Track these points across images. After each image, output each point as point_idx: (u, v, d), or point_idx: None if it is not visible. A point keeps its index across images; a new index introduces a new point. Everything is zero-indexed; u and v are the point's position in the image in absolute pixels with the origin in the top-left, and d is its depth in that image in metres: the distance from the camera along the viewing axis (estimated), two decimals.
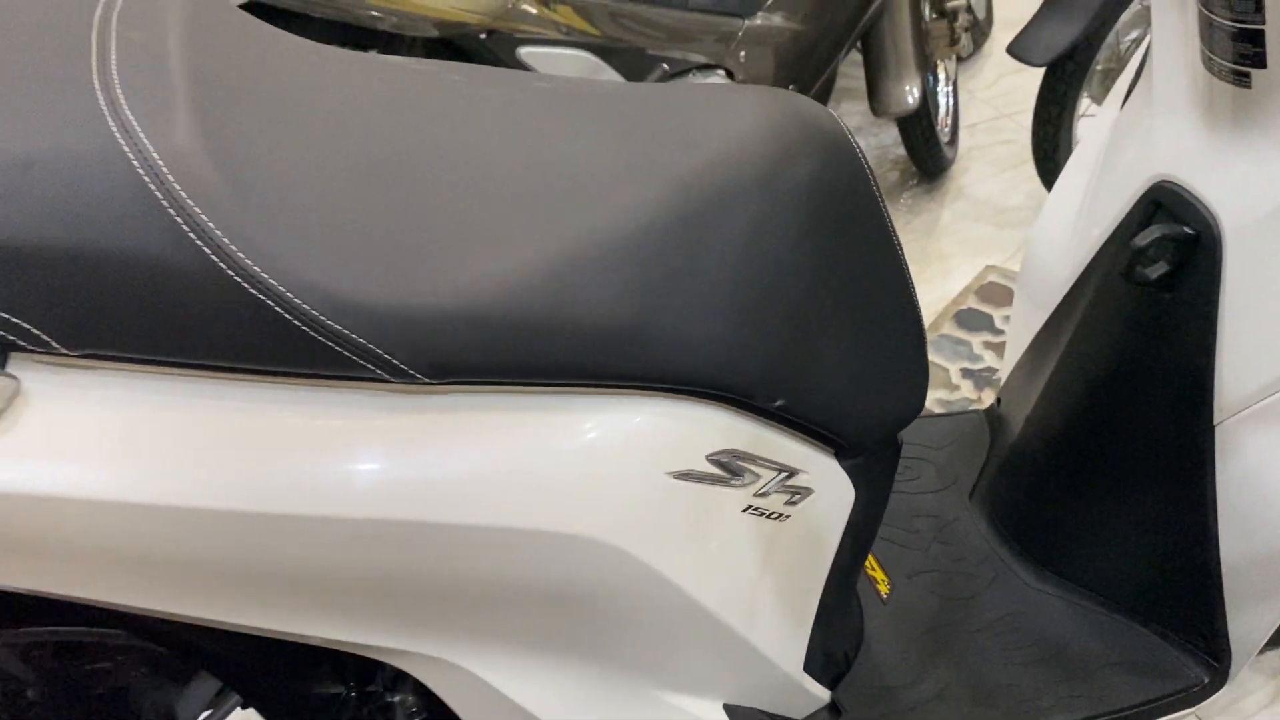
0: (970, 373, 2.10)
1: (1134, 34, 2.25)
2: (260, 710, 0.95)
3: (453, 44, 1.78)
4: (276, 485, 0.64)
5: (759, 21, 2.08)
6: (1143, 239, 1.04)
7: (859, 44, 2.38)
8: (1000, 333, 2.21)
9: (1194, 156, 1.02)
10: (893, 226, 0.88)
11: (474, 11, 1.75)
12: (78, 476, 0.60)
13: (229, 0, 0.78)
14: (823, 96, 2.32)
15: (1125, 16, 2.20)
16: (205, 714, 1.04)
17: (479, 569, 0.71)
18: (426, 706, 0.96)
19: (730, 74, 2.04)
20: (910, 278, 0.90)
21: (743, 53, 2.04)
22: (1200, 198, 1.00)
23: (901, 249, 0.89)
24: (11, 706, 0.97)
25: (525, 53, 1.83)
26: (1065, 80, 2.23)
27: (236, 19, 0.77)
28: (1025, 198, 2.64)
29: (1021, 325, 1.38)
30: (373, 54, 0.85)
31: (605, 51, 1.91)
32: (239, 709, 1.06)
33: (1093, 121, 1.35)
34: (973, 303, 2.28)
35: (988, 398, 2.05)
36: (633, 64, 1.94)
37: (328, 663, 0.94)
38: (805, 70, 2.15)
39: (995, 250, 2.46)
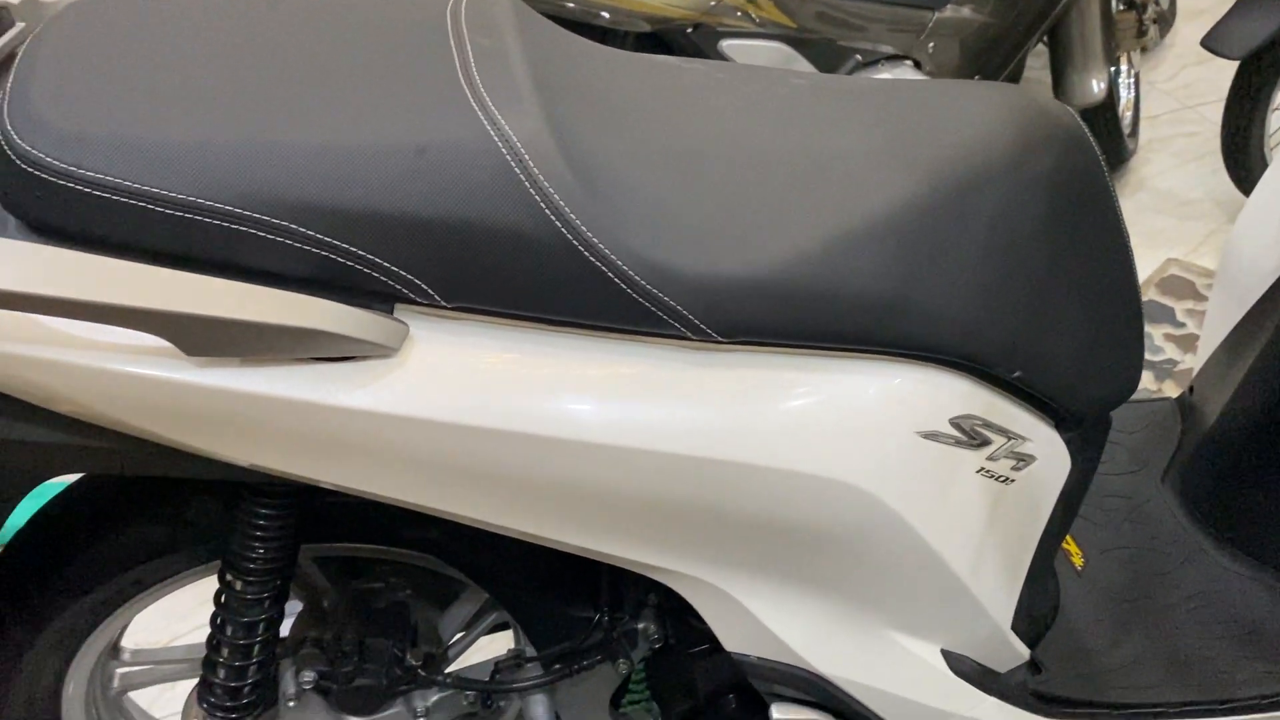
0: (1151, 365, 2.11)
1: None
2: (522, 625, 1.09)
3: (660, 37, 1.90)
4: (596, 419, 0.76)
5: (948, 13, 2.13)
6: None
7: (1044, 36, 2.39)
8: (1181, 325, 2.21)
9: None
10: (1122, 216, 0.95)
11: (683, 7, 1.86)
12: (449, 404, 0.73)
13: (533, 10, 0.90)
14: None
15: None
16: (459, 634, 1.19)
17: (752, 504, 0.82)
18: (665, 636, 1.08)
19: (918, 64, 2.10)
20: (1134, 262, 0.97)
21: (931, 44, 2.10)
22: None
23: (1128, 237, 0.96)
24: (315, 611, 1.13)
25: (726, 45, 1.94)
26: (1261, 73, 2.21)
27: (549, 28, 0.89)
28: (1208, 191, 2.62)
29: (1219, 317, 1.41)
30: (653, 55, 0.96)
31: (800, 43, 2.00)
32: (485, 635, 1.20)
33: None
34: (1154, 295, 2.29)
35: (1168, 389, 2.06)
36: (825, 55, 2.02)
37: (585, 589, 1.07)
38: (992, 62, 2.19)
39: (1177, 243, 2.45)
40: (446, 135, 0.72)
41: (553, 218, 0.72)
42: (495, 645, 1.27)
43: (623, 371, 0.77)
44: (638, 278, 0.74)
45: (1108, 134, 2.54)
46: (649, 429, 0.77)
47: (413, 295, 0.72)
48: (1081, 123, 0.94)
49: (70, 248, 0.65)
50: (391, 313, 0.74)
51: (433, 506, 0.78)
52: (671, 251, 0.75)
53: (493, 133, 0.72)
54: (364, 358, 0.72)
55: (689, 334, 0.77)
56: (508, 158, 0.72)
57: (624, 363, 0.77)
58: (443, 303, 0.73)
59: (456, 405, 0.73)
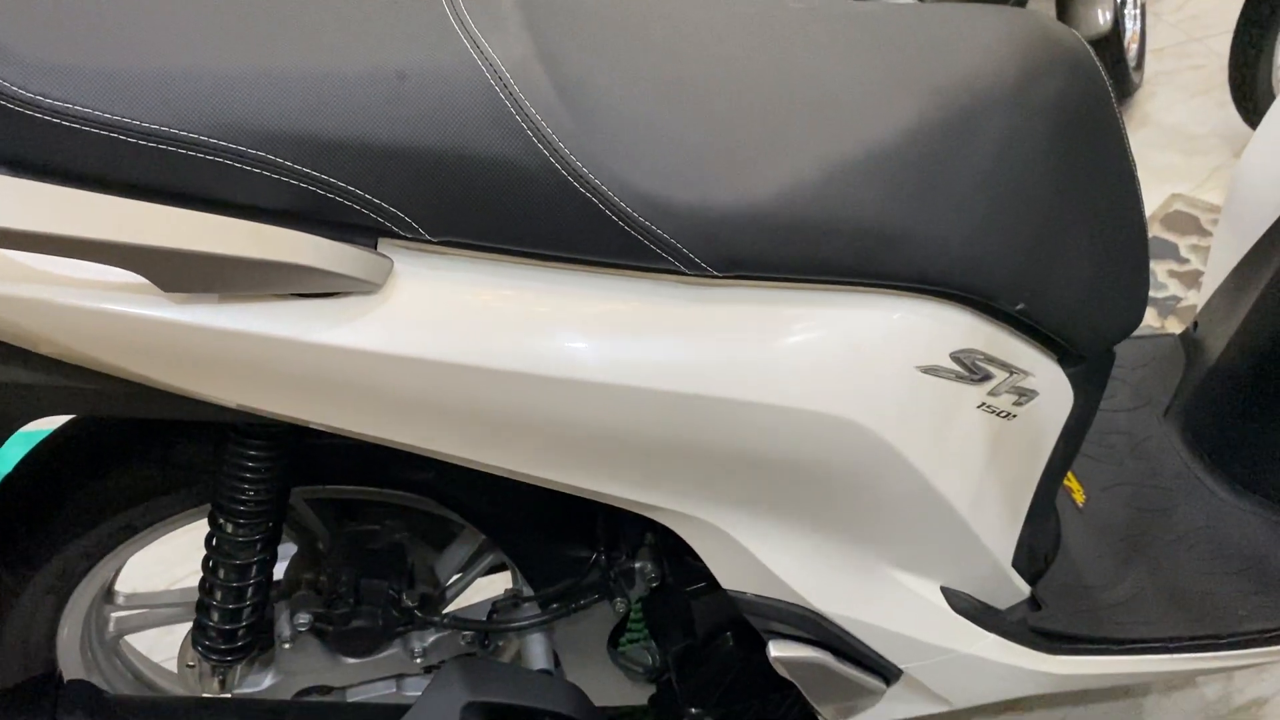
0: (1154, 300, 2.09)
1: None
2: (519, 566, 1.08)
3: None
4: (588, 357, 0.74)
5: None
6: None
7: None
8: (1186, 261, 2.18)
9: None
10: (1129, 145, 0.92)
11: None
12: (435, 342, 0.71)
13: None
14: None
15: None
16: (456, 575, 1.18)
17: (747, 441, 0.81)
18: (662, 575, 1.07)
19: None
20: (1140, 194, 0.94)
21: None
22: None
23: (1135, 167, 0.93)
24: (310, 554, 1.12)
25: None
26: (1271, 2, 2.16)
27: None
28: (1215, 125, 2.57)
29: (1225, 251, 1.39)
30: None
31: None
32: (482, 576, 1.19)
33: None
34: (1158, 231, 2.26)
35: (1171, 325, 2.04)
36: None
37: (582, 529, 1.06)
38: None
39: (1182, 178, 2.42)
40: (428, 60, 0.69)
41: (540, 147, 0.69)
42: (494, 585, 1.26)
43: (615, 308, 0.75)
44: (630, 210, 0.72)
45: (1113, 67, 2.50)
46: (642, 366, 0.75)
47: (397, 229, 0.70)
48: (1089, 47, 0.91)
49: (39, 181, 0.63)
50: (375, 247, 0.71)
51: (421, 446, 0.77)
52: (664, 183, 0.73)
53: (477, 58, 0.69)
54: (347, 294, 0.70)
55: (684, 269, 0.75)
56: (493, 84, 0.69)
57: (616, 298, 0.75)
58: (428, 237, 0.71)
59: (442, 343, 0.71)
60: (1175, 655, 1.14)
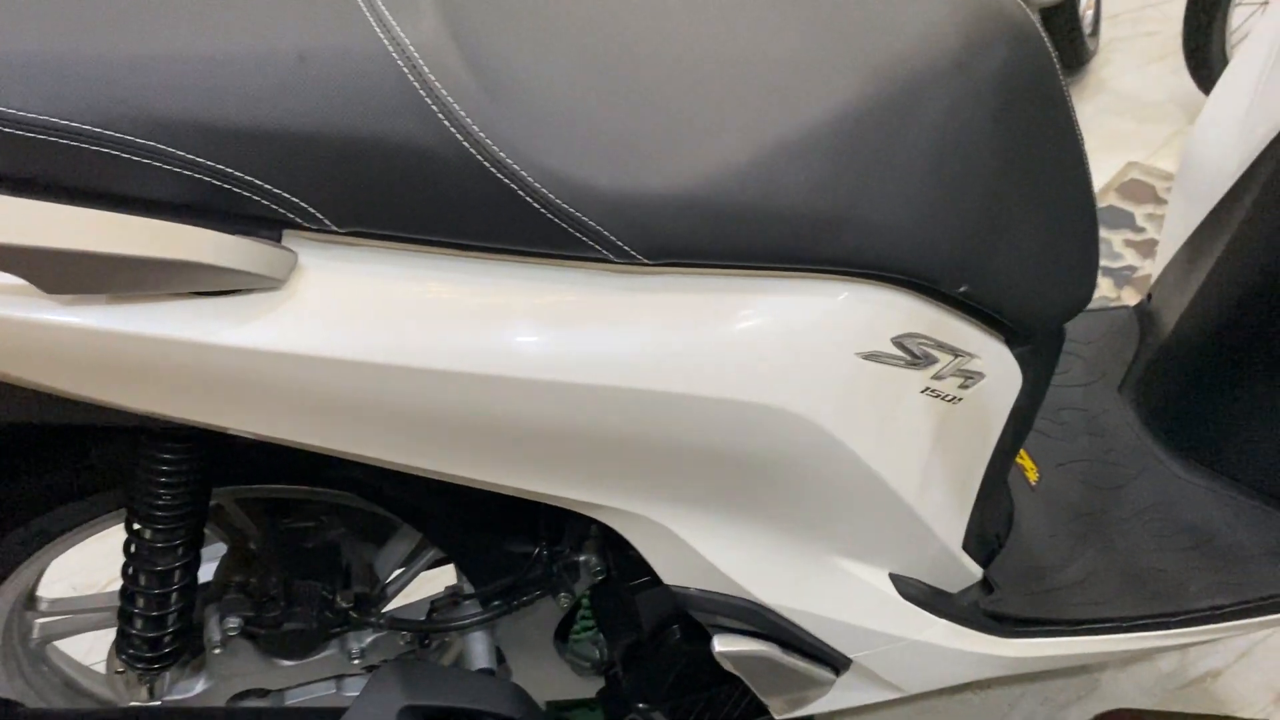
0: (1110, 271, 2.08)
1: None
2: (460, 564, 1.04)
3: None
4: (513, 352, 0.71)
5: None
6: None
7: None
8: (1141, 230, 2.17)
9: None
10: (1076, 118, 0.89)
11: None
12: (343, 340, 0.67)
13: None
14: None
15: None
16: (398, 571, 1.15)
17: (684, 435, 0.78)
18: (607, 568, 1.04)
19: None
20: (1088, 167, 0.91)
21: None
22: None
23: (1083, 140, 0.90)
24: (240, 555, 1.08)
25: None
26: None
27: None
28: (1170, 92, 2.56)
29: (1179, 221, 1.37)
30: None
31: None
32: (425, 570, 1.16)
33: (1253, 11, 1.32)
34: (1114, 200, 2.24)
35: (1127, 296, 2.03)
36: None
37: (523, 523, 1.02)
38: None
39: (1137, 146, 2.40)
40: (330, 40, 0.65)
41: (453, 131, 0.65)
42: (443, 578, 1.23)
43: (540, 300, 0.72)
44: (551, 195, 0.68)
45: (1068, 34, 2.47)
46: (569, 361, 0.72)
47: (301, 221, 0.66)
48: (1032, 17, 0.88)
49: None
50: (279, 241, 0.67)
51: (339, 450, 0.73)
52: (589, 167, 0.69)
53: (382, 35, 0.65)
54: (249, 291, 0.66)
55: (613, 257, 0.71)
56: (400, 64, 0.65)
57: (541, 290, 0.72)
58: (335, 228, 0.66)
59: (351, 340, 0.67)
60: (1129, 635, 1.13)
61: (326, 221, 0.66)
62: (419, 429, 0.72)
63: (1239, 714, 1.46)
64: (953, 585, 1.08)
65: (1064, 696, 1.49)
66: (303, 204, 0.65)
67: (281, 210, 0.65)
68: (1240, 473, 1.25)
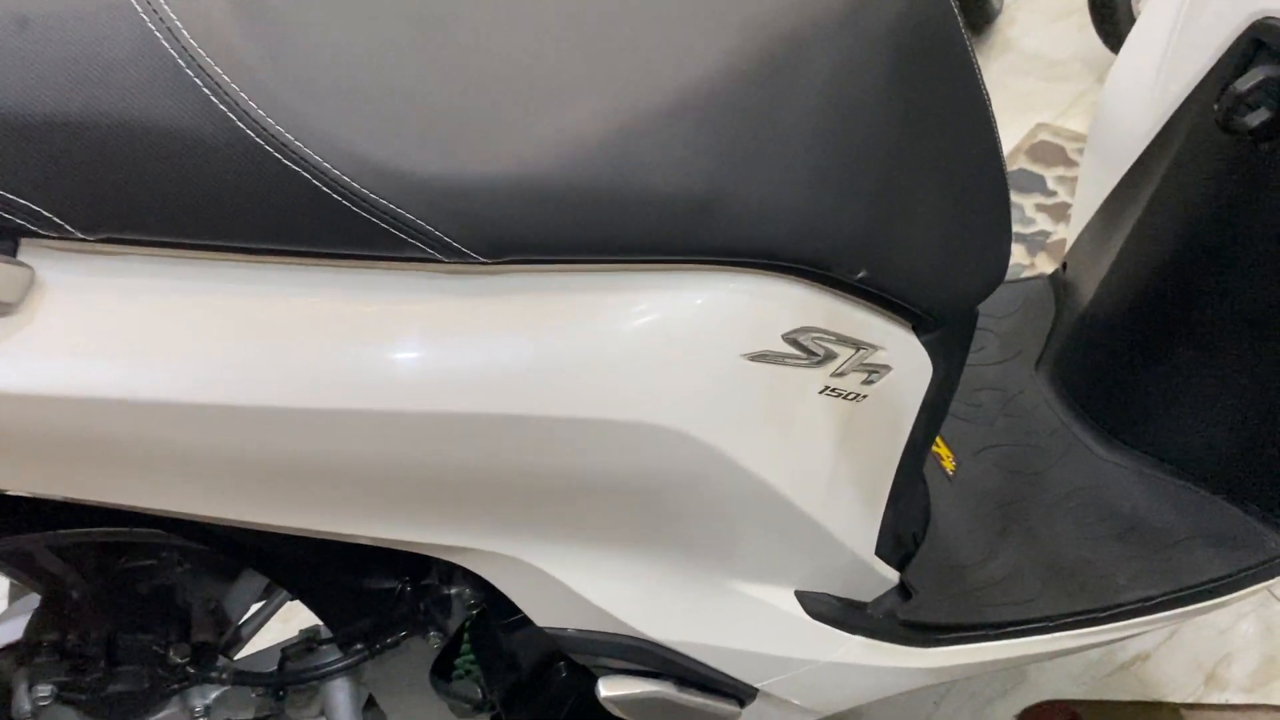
0: (1023, 237, 2.01)
1: None
2: (312, 607, 0.92)
3: None
4: (318, 378, 0.58)
5: None
6: (1243, 83, 0.95)
7: None
8: (1053, 194, 2.11)
9: None
10: (981, 77, 0.79)
11: None
12: (100, 374, 0.54)
13: None
14: None
15: None
16: (257, 606, 1.01)
17: (540, 462, 0.66)
18: (484, 599, 0.92)
19: None
20: (997, 132, 0.82)
21: None
22: None
23: (989, 99, 0.80)
24: (58, 606, 0.94)
25: None
26: None
27: None
28: (1076, 50, 2.50)
29: (1092, 185, 1.29)
30: None
31: None
32: (290, 601, 1.03)
33: None
34: (1023, 163, 2.18)
35: (1041, 263, 1.97)
36: None
37: (381, 556, 0.90)
38: None
39: (1045, 107, 2.34)
40: (59, 2, 0.51)
41: (224, 109, 0.52)
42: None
43: (352, 310, 0.59)
44: (356, 185, 0.55)
45: None
46: (393, 383, 0.60)
47: (36, 228, 0.52)
48: None
49: None
50: (14, 253, 0.54)
51: (112, 502, 0.60)
52: (404, 150, 0.57)
53: None
54: None
55: (440, 255, 0.59)
56: (152, 28, 0.52)
57: (351, 299, 0.59)
58: (80, 235, 0.53)
59: (107, 375, 0.54)
60: (1055, 635, 1.05)
61: (69, 228, 0.53)
62: (211, 475, 0.60)
63: (1169, 698, 1.41)
64: (867, 594, 0.99)
65: (991, 690, 1.42)
66: (34, 207, 0.52)
67: (10, 216, 0.52)
68: (1165, 452, 1.18)
